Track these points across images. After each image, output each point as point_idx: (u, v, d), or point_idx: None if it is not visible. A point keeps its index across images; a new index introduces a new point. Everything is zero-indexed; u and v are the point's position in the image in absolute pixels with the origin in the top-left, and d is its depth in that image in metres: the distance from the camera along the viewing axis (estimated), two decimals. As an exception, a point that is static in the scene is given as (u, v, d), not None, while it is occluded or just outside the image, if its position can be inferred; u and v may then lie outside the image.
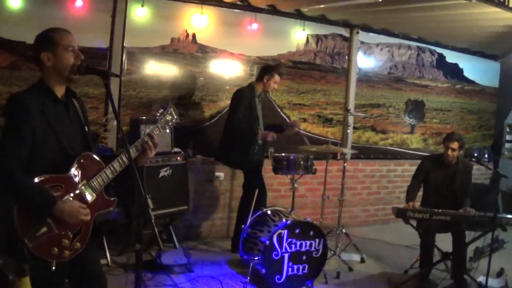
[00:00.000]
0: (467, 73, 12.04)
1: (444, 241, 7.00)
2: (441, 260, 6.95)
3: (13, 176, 3.26)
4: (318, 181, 9.34)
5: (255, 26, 8.76)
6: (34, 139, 3.36)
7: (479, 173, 11.53)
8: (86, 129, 3.79)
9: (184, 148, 7.92)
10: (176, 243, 7.82)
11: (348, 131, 9.15)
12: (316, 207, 9.26)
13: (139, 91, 8.03)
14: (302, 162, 7.20)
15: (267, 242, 6.27)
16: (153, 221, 3.34)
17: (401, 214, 6.59)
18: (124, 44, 7.76)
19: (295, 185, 7.38)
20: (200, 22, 8.25)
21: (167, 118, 4.11)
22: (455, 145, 6.96)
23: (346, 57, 10.14)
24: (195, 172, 8.34)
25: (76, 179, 3.53)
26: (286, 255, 6.39)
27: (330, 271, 7.11)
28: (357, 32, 10.01)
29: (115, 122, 7.32)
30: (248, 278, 6.46)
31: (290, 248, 6.41)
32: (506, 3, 7.49)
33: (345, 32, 10.00)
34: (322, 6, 8.59)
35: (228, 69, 8.80)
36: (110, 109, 7.45)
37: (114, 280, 6.08)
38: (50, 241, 3.35)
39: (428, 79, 11.45)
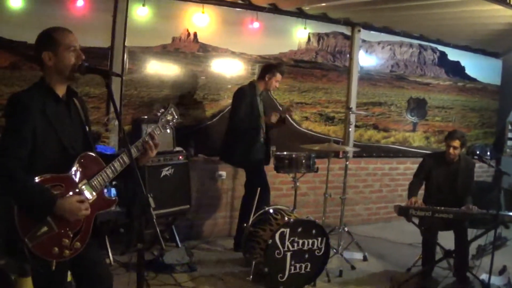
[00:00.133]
0: (469, 71, 12.03)
1: (446, 239, 6.99)
2: (443, 258, 6.94)
3: (13, 176, 3.25)
4: (320, 180, 9.34)
5: (256, 24, 8.75)
6: (35, 139, 3.36)
7: (481, 171, 11.52)
8: (87, 128, 3.79)
9: (186, 147, 7.92)
10: (179, 242, 7.82)
11: (350, 129, 9.11)
12: (318, 206, 9.27)
13: (141, 91, 8.03)
14: (304, 161, 7.22)
15: (270, 240, 6.27)
16: (154, 220, 3.33)
17: (403, 212, 6.58)
18: (125, 44, 7.76)
19: (297, 184, 7.40)
20: (201, 21, 8.25)
21: (168, 118, 4.10)
22: (456, 143, 6.95)
23: (348, 55, 10.14)
24: (197, 171, 8.34)
25: (77, 179, 3.53)
26: (289, 254, 6.39)
27: (333, 269, 7.11)
28: (359, 31, 10.00)
29: (116, 122, 7.33)
30: (251, 277, 6.45)
31: (293, 246, 6.40)
32: (508, 1, 7.49)
33: (346, 31, 9.99)
34: (323, 4, 8.58)
35: (229, 68, 8.80)
36: (112, 108, 7.46)
37: (116, 279, 6.00)
38: (50, 240, 3.35)
39: (430, 77, 11.44)
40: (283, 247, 6.35)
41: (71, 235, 3.45)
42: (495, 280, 6.76)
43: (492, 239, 6.78)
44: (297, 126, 9.63)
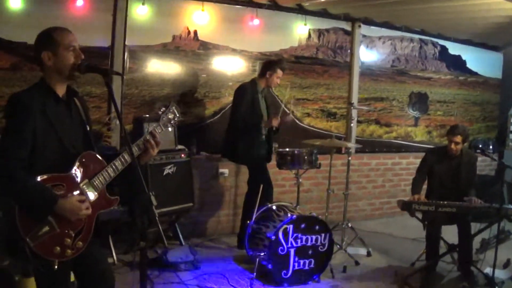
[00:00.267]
0: (470, 65, 12.02)
1: (450, 233, 6.99)
2: (447, 252, 6.93)
3: (14, 176, 3.25)
4: (322, 176, 9.32)
5: (256, 21, 8.75)
6: (35, 139, 3.36)
7: (484, 165, 11.49)
8: (88, 128, 3.78)
9: (188, 145, 7.92)
10: (182, 240, 7.82)
11: (352, 125, 9.12)
12: (321, 202, 9.26)
13: (142, 89, 8.03)
14: (306, 157, 7.20)
15: (273, 237, 6.27)
16: (157, 218, 3.33)
17: (406, 207, 6.57)
18: (126, 43, 7.77)
19: (300, 180, 7.39)
20: (201, 19, 8.25)
21: (169, 116, 4.10)
22: (458, 138, 6.93)
23: (349, 51, 10.14)
24: (199, 169, 8.34)
25: (78, 178, 3.53)
26: (292, 250, 6.39)
27: (337, 265, 7.10)
28: (359, 26, 10.00)
29: (118, 121, 7.33)
30: (255, 274, 6.45)
31: (296, 243, 6.41)
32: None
33: (347, 26, 9.99)
34: (323, 0, 8.57)
35: (230, 66, 8.81)
36: (113, 108, 7.46)
37: (120, 278, 6.06)
38: (52, 240, 3.34)
39: (431, 71, 11.44)
40: (287, 244, 6.35)
41: (73, 235, 3.45)
42: (499, 273, 6.75)
43: (495, 232, 6.78)
44: (299, 123, 9.63)
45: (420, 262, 7.35)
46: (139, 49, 7.97)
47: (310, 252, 6.51)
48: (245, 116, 7.59)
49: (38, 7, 7.05)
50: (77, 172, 3.53)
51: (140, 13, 7.80)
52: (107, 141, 7.61)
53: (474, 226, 6.80)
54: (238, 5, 8.66)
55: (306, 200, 9.43)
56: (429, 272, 6.81)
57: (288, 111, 8.20)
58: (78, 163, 3.54)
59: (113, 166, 3.65)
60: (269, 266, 6.34)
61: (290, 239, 6.37)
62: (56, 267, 3.36)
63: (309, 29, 9.53)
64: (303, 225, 6.44)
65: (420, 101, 11.31)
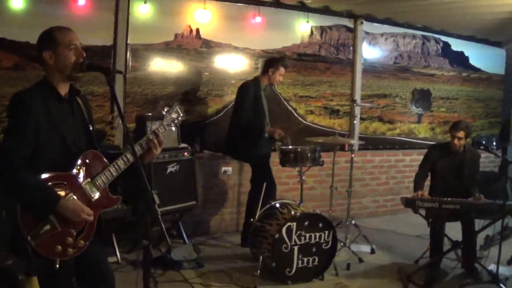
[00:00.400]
0: (472, 61, 12.00)
1: (454, 230, 6.98)
2: (451, 249, 6.92)
3: (16, 175, 3.26)
4: (326, 173, 9.33)
5: (258, 19, 8.74)
6: (38, 138, 3.37)
7: (488, 161, 11.49)
8: (90, 127, 3.78)
9: (191, 144, 7.91)
10: (186, 239, 7.82)
11: (355, 122, 9.12)
12: (325, 199, 9.27)
13: (145, 88, 8.03)
14: (309, 154, 7.20)
15: (277, 235, 6.27)
16: (159, 217, 3.33)
17: (410, 204, 6.57)
18: (128, 41, 7.76)
19: (303, 178, 7.38)
20: (203, 17, 8.24)
21: (173, 116, 4.09)
22: (461, 134, 6.93)
23: (351, 48, 10.12)
24: (202, 167, 8.35)
25: (80, 177, 3.53)
26: (296, 248, 6.40)
27: (341, 262, 7.08)
28: (361, 23, 9.98)
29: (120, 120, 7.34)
30: (258, 271, 6.43)
31: (300, 240, 6.41)
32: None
33: (349, 23, 9.97)
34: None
35: (233, 63, 8.80)
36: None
37: (124, 277, 6.08)
38: (53, 239, 3.35)
39: (434, 68, 11.42)
40: (290, 241, 6.36)
41: (75, 234, 3.45)
42: (504, 270, 6.75)
43: (499, 229, 6.77)
44: (302, 120, 9.63)
45: (424, 259, 7.34)
46: (142, 48, 7.97)
47: (313, 249, 6.51)
48: (248, 114, 7.58)
49: (40, 6, 7.04)
50: (79, 171, 3.53)
51: (142, 11, 7.80)
52: (110, 140, 7.62)
53: (478, 223, 6.80)
54: (240, 2, 8.65)
55: (310, 198, 9.43)
56: (433, 269, 6.80)
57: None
58: (81, 162, 3.55)
59: (116, 166, 3.65)
60: (273, 264, 6.33)
61: (294, 237, 6.38)
62: (57, 266, 3.37)
63: (312, 26, 9.51)
64: (306, 223, 6.45)
65: (423, 97, 11.29)
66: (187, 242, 7.75)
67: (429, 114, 11.44)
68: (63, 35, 3.52)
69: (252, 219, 6.97)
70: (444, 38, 11.40)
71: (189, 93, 8.41)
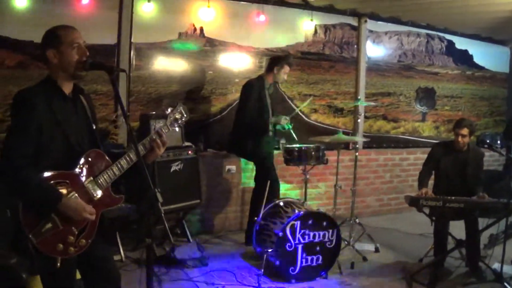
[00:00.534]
0: (476, 59, 12.00)
1: (458, 229, 6.97)
2: (455, 248, 6.90)
3: (19, 174, 3.27)
4: (330, 172, 9.34)
5: (262, 18, 8.74)
6: (41, 136, 3.37)
7: (492, 160, 11.45)
8: (94, 126, 3.78)
9: (195, 142, 7.91)
10: (190, 237, 7.83)
11: (359, 120, 9.13)
12: (329, 198, 9.26)
13: (148, 87, 8.04)
14: (313, 153, 7.20)
15: (280, 233, 6.27)
16: (163, 215, 3.33)
17: (414, 202, 6.55)
18: (132, 40, 7.77)
19: (307, 176, 7.38)
20: (207, 16, 8.24)
21: (176, 116, 4.09)
22: (465, 131, 6.92)
23: (355, 46, 10.13)
24: (206, 165, 8.35)
25: (83, 176, 3.54)
26: (300, 247, 6.39)
27: (345, 261, 7.08)
28: (365, 21, 9.98)
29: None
30: (262, 270, 6.43)
31: (304, 239, 6.40)
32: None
33: (353, 21, 9.98)
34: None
35: (237, 62, 8.81)
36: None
37: (128, 275, 6.09)
38: (55, 237, 3.36)
39: (438, 66, 11.41)
40: (294, 240, 6.35)
41: (76, 233, 3.45)
42: (508, 269, 6.70)
43: (504, 228, 6.76)
44: (306, 118, 9.63)
45: (428, 258, 7.33)
46: (145, 47, 7.98)
47: (317, 248, 6.50)
48: (253, 112, 7.58)
49: (44, 5, 7.05)
50: (82, 169, 3.54)
51: (145, 10, 7.81)
52: (114, 139, 7.63)
53: (482, 222, 6.78)
54: (244, 1, 8.66)
55: (314, 196, 9.43)
56: (437, 268, 6.79)
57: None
58: (83, 161, 3.55)
59: (119, 165, 3.65)
60: (277, 263, 6.33)
61: (298, 236, 6.37)
62: (59, 264, 3.37)
63: (316, 25, 9.52)
64: (310, 221, 6.44)
65: (427, 96, 11.29)
66: (191, 240, 7.76)
67: (433, 112, 11.44)
68: (67, 34, 3.53)
69: (256, 218, 6.96)
70: (448, 37, 11.40)
71: (193, 92, 8.42)
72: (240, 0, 8.62)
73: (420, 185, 7.07)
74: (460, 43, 11.62)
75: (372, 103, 10.07)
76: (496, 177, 9.49)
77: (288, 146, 7.32)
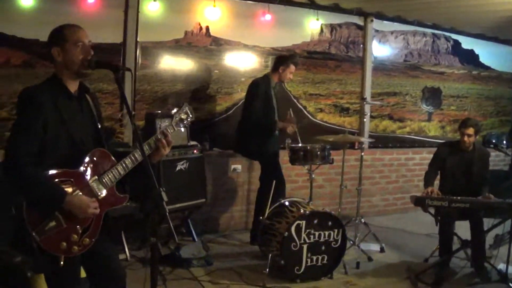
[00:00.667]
0: (483, 59, 11.96)
1: (464, 229, 6.96)
2: (460, 248, 6.90)
3: (23, 172, 3.28)
4: (335, 171, 9.31)
5: (268, 17, 8.73)
6: (46, 134, 3.38)
7: (498, 160, 11.43)
8: (99, 125, 3.79)
9: (200, 141, 7.92)
10: (195, 237, 7.84)
11: (365, 120, 9.11)
12: (334, 197, 9.26)
13: (154, 86, 8.04)
14: (319, 152, 7.19)
15: (286, 233, 6.27)
16: (167, 214, 3.33)
17: (419, 202, 6.54)
18: (138, 39, 7.77)
19: (313, 176, 7.38)
20: (213, 15, 8.24)
21: (182, 116, 4.09)
22: (470, 130, 6.92)
23: (361, 45, 10.11)
24: (212, 165, 8.35)
25: (87, 175, 3.54)
26: (305, 246, 6.39)
27: (350, 261, 7.07)
28: (371, 20, 9.96)
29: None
30: (267, 270, 6.43)
31: (309, 239, 6.40)
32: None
33: (359, 21, 9.96)
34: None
35: (242, 61, 8.80)
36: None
37: (133, 274, 6.08)
38: (58, 235, 3.36)
39: (444, 66, 11.39)
40: (299, 240, 6.35)
41: (80, 231, 3.47)
42: (513, 269, 6.73)
43: (509, 228, 6.75)
44: (312, 118, 9.62)
45: (433, 258, 7.32)
46: (151, 45, 7.98)
47: (323, 248, 6.50)
48: (258, 112, 7.57)
49: (50, 4, 7.06)
50: (86, 168, 3.55)
51: (151, 9, 7.81)
52: (120, 138, 7.63)
53: (488, 222, 6.77)
54: (249, 0, 8.64)
55: (319, 196, 9.42)
56: (442, 268, 6.78)
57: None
58: (88, 160, 3.56)
59: (123, 164, 3.65)
60: (282, 262, 6.33)
61: (303, 235, 6.37)
62: (62, 263, 3.37)
63: (321, 24, 9.50)
64: (316, 221, 6.44)
65: (433, 96, 11.27)
66: (196, 239, 7.77)
67: (439, 112, 11.42)
68: (72, 32, 3.54)
69: (261, 217, 6.95)
70: (454, 36, 11.36)
71: (199, 91, 8.42)
72: (246, -1, 8.63)
73: (426, 185, 7.05)
74: (466, 42, 11.59)
75: (378, 103, 10.07)
76: (502, 177, 9.47)
77: (293, 145, 7.31)
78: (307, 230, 6.38)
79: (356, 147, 9.77)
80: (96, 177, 3.58)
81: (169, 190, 6.73)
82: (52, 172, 3.38)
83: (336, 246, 6.59)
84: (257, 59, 8.92)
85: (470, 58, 11.78)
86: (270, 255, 6.49)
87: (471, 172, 7.04)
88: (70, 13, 7.12)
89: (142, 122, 7.57)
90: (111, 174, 3.63)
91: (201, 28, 8.37)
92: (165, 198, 3.29)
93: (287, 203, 6.94)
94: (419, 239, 8.56)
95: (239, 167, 8.68)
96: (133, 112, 7.01)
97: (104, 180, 3.60)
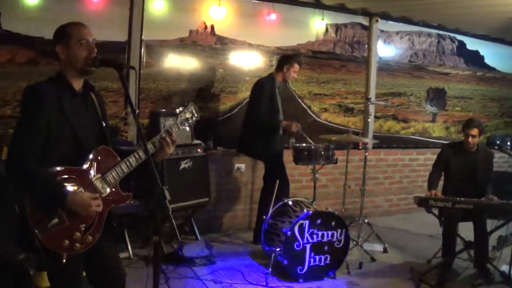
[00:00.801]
0: (487, 60, 11.95)
1: (467, 230, 6.95)
2: (464, 250, 6.89)
3: (27, 169, 3.28)
4: (339, 171, 9.32)
5: (273, 16, 8.73)
6: (49, 132, 3.38)
7: (502, 161, 11.43)
8: (104, 123, 3.78)
9: (204, 140, 7.92)
10: (198, 235, 7.84)
11: (369, 120, 9.09)
12: (338, 197, 9.27)
13: (159, 84, 8.05)
14: (323, 152, 7.18)
15: (289, 233, 6.26)
16: (170, 212, 3.34)
17: (423, 203, 6.53)
18: (143, 37, 7.77)
19: (316, 175, 7.37)
20: (218, 14, 8.24)
21: (187, 116, 4.09)
22: (474, 131, 6.90)
23: (366, 46, 10.10)
24: (215, 164, 8.35)
25: (91, 173, 3.54)
26: (308, 246, 6.38)
27: (353, 261, 7.07)
28: (377, 21, 9.96)
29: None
30: (270, 269, 6.43)
31: (312, 238, 6.39)
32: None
33: (364, 21, 9.95)
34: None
35: (247, 60, 8.80)
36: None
37: (136, 273, 6.09)
38: (61, 233, 3.36)
39: (449, 67, 11.38)
40: (303, 239, 6.35)
41: (83, 229, 3.46)
42: (516, 271, 6.72)
43: (512, 230, 6.74)
44: (316, 118, 9.62)
45: (436, 259, 7.32)
46: (156, 44, 7.98)
47: (326, 248, 6.49)
48: (263, 111, 7.57)
49: (55, 2, 7.07)
50: (90, 166, 3.54)
51: (156, 7, 7.82)
52: (124, 136, 7.64)
53: (491, 223, 6.76)
54: (255, -1, 8.66)
55: (323, 196, 9.41)
56: (445, 269, 6.78)
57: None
58: (92, 158, 3.55)
59: (127, 163, 3.65)
60: (285, 262, 6.33)
61: (306, 235, 6.36)
62: (64, 260, 3.37)
63: (327, 24, 9.49)
64: (319, 221, 6.43)
65: (438, 96, 11.26)
66: (199, 238, 7.78)
67: (444, 113, 11.41)
68: (76, 30, 3.54)
69: (264, 216, 6.95)
70: (459, 37, 11.35)
71: (203, 90, 8.42)
72: (251, -2, 8.64)
73: (430, 187, 7.05)
74: (471, 43, 11.57)
75: (383, 103, 10.06)
76: (506, 179, 9.45)
77: (297, 145, 7.31)
78: (311, 230, 6.37)
79: (360, 147, 9.74)
80: (100, 175, 3.57)
81: (172, 188, 6.71)
82: (55, 169, 3.37)
83: (339, 246, 6.58)
84: (262, 59, 8.91)
85: (475, 59, 11.76)
86: (273, 254, 6.49)
87: (475, 173, 7.02)
88: (75, 11, 7.14)
89: (146, 121, 7.57)
90: (115, 172, 3.62)
91: (206, 27, 8.37)
92: (168, 196, 3.28)
93: (290, 203, 6.94)
94: (423, 240, 8.55)
95: (243, 166, 8.68)
96: (137, 111, 7.02)
97: (107, 178, 3.60)
